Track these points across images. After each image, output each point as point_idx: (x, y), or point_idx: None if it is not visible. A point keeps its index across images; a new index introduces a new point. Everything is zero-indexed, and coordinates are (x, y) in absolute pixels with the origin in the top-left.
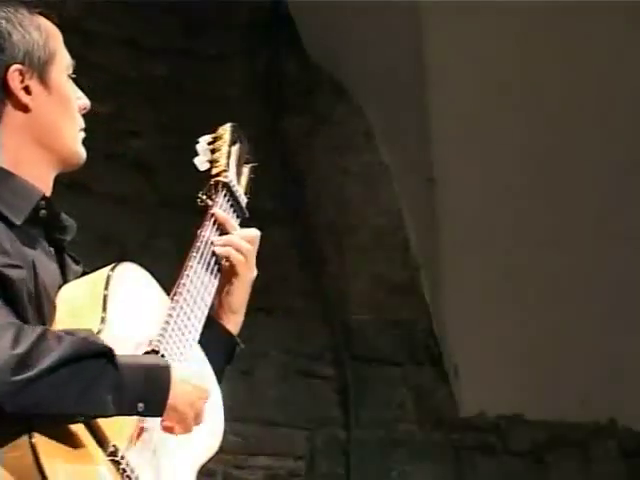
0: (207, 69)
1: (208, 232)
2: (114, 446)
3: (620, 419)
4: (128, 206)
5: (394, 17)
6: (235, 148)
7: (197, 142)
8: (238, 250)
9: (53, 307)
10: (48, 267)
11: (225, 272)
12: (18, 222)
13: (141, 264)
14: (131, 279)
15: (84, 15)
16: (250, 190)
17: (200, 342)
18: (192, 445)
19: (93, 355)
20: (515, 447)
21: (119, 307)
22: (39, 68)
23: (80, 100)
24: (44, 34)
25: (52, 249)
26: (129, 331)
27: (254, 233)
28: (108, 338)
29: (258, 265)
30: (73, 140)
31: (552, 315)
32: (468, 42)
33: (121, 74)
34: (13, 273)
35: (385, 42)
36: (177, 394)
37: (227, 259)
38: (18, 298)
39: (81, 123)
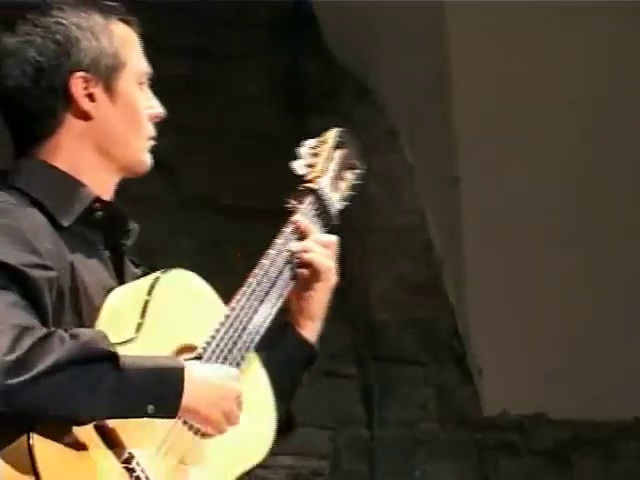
0: (227, 68)
1: (283, 239)
2: (129, 453)
3: None
4: (147, 206)
5: (418, 17)
6: (339, 153)
7: (301, 145)
8: (316, 255)
9: (96, 310)
10: (93, 270)
11: (305, 278)
12: (65, 224)
13: (164, 265)
14: (179, 286)
15: None
16: (349, 196)
17: (274, 348)
18: (232, 452)
19: (94, 358)
20: (538, 446)
21: (161, 313)
22: (106, 76)
23: (152, 109)
24: (116, 42)
25: (107, 252)
26: (169, 337)
27: (331, 239)
28: (141, 343)
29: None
30: (137, 149)
31: (576, 314)
32: (492, 42)
33: None
34: (36, 273)
35: (409, 42)
36: (195, 395)
37: (310, 265)
38: (38, 298)
39: (150, 132)
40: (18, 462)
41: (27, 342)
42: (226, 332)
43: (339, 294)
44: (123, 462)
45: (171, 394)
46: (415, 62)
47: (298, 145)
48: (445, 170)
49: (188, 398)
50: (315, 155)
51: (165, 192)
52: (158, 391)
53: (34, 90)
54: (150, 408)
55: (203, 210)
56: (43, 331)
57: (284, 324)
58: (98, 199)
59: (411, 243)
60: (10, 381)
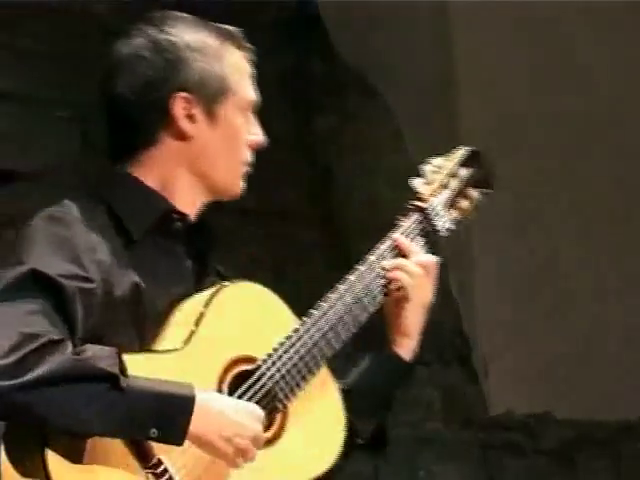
0: None
1: (377, 255)
2: (158, 459)
3: None
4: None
5: (424, 17)
6: (465, 171)
7: (426, 162)
8: (409, 274)
9: (156, 321)
10: (167, 281)
11: (396, 296)
12: (136, 237)
13: None
14: (243, 298)
15: (110, 14)
16: (470, 215)
17: (369, 364)
18: (288, 463)
19: (87, 376)
20: (543, 446)
21: (217, 324)
22: (209, 99)
23: (253, 137)
24: (225, 67)
25: (189, 262)
26: (222, 349)
27: (430, 259)
28: (186, 354)
29: (286, 265)
30: (231, 174)
31: (581, 313)
32: (497, 42)
33: None
34: (70, 283)
35: (415, 42)
36: (208, 427)
37: (397, 283)
38: (67, 307)
39: (247, 158)
40: (31, 473)
41: (25, 349)
42: (292, 345)
43: None
44: (149, 468)
45: (177, 422)
46: (420, 62)
47: (305, 144)
48: None
49: (198, 428)
50: (436, 172)
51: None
52: (163, 416)
53: (137, 103)
54: (153, 432)
55: (209, 208)
56: (46, 340)
57: (382, 340)
58: (175, 210)
59: None
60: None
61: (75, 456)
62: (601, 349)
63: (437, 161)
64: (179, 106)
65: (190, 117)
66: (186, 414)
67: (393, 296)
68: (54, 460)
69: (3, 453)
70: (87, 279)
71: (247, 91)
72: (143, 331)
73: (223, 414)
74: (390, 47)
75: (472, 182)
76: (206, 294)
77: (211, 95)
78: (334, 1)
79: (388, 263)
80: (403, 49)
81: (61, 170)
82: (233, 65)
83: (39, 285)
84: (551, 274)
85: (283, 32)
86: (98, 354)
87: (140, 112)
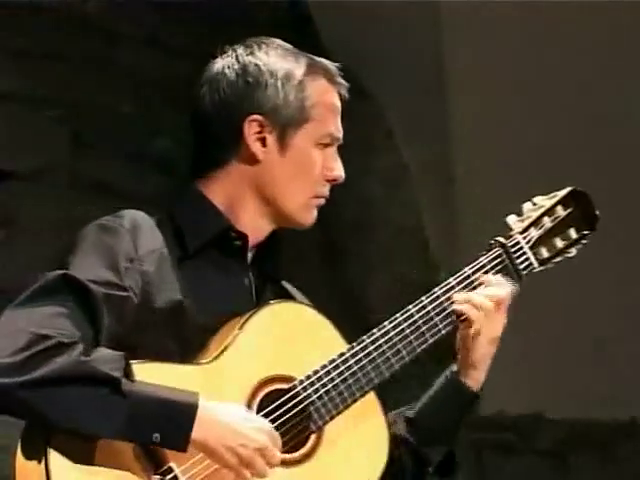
0: None
1: (445, 287)
2: (169, 467)
3: None
4: (146, 205)
5: (414, 18)
6: (562, 211)
7: (529, 200)
8: (478, 307)
9: (200, 337)
10: (218, 296)
11: (464, 329)
12: (191, 251)
13: None
14: (284, 318)
15: (108, 15)
16: (564, 256)
17: (436, 392)
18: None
19: (88, 378)
20: (535, 446)
21: (251, 342)
22: (282, 126)
23: (330, 171)
24: (308, 98)
25: (248, 279)
26: (255, 367)
27: (501, 293)
28: (211, 370)
29: (280, 264)
30: (298, 205)
31: (573, 313)
32: (487, 42)
33: (145, 74)
34: (102, 289)
35: (405, 43)
36: (209, 434)
37: (464, 316)
38: (94, 313)
39: (320, 192)
40: (33, 471)
41: (33, 350)
42: (335, 368)
43: (336, 293)
44: (159, 474)
45: (178, 428)
46: (412, 63)
47: None
48: (442, 171)
49: (201, 435)
50: (533, 210)
51: (165, 192)
52: (165, 422)
53: (214, 121)
54: (155, 437)
55: None
56: (55, 342)
57: (451, 370)
58: (234, 230)
59: (408, 243)
60: (2, 380)
61: (79, 456)
62: (593, 350)
63: (538, 199)
64: (252, 129)
65: (262, 141)
66: (188, 420)
67: (461, 329)
68: (56, 459)
69: (19, 451)
70: (121, 287)
71: (328, 125)
72: (184, 345)
73: (227, 424)
74: (381, 47)
75: (570, 222)
76: (248, 313)
77: (286, 122)
78: (325, 1)
79: (458, 295)
80: (394, 49)
81: (53, 170)
82: (317, 98)
83: (68, 288)
84: (543, 274)
85: (274, 33)
86: (103, 357)
87: (216, 130)
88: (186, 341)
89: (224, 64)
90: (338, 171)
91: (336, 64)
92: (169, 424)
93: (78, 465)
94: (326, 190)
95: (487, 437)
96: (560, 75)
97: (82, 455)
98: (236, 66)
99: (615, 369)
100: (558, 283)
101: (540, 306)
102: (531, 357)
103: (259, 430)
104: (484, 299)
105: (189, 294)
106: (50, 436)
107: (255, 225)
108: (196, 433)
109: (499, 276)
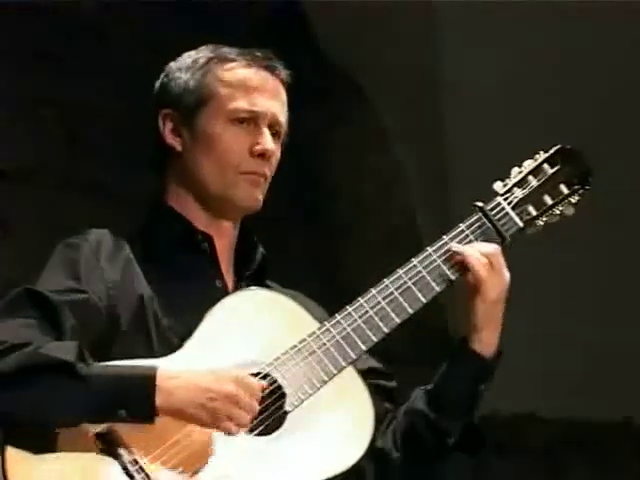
0: None
1: (419, 258)
2: (135, 460)
3: (636, 418)
4: (145, 207)
5: (409, 17)
6: (549, 169)
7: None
8: (478, 263)
9: (165, 332)
10: (181, 295)
11: (469, 290)
12: (156, 254)
13: None
14: (249, 304)
15: (102, 15)
16: (560, 211)
17: (450, 362)
18: (292, 461)
19: (47, 367)
20: (529, 445)
21: (212, 332)
22: (187, 112)
23: (254, 146)
24: (211, 79)
25: (218, 280)
26: (220, 355)
27: (489, 249)
28: (180, 359)
29: (273, 264)
30: (223, 184)
31: (567, 313)
32: (481, 41)
33: (139, 73)
34: (62, 297)
35: (400, 42)
36: (173, 397)
37: (467, 273)
38: (55, 318)
39: (245, 167)
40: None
41: None
42: (306, 347)
43: (330, 293)
44: (123, 467)
45: (140, 399)
46: (406, 62)
47: (292, 143)
48: (436, 170)
49: (165, 401)
50: (519, 172)
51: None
52: (127, 396)
53: (150, 125)
54: (121, 412)
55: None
56: (9, 345)
57: (461, 339)
58: (195, 230)
59: (403, 242)
60: None
61: (37, 448)
62: (587, 349)
63: (526, 162)
64: (166, 123)
65: (175, 132)
66: (148, 390)
67: (466, 282)
68: (13, 452)
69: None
70: (80, 290)
71: (235, 100)
72: (150, 340)
73: (192, 383)
74: (375, 48)
75: (561, 179)
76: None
77: (189, 106)
78: (320, 2)
79: (455, 246)
80: (388, 50)
81: (47, 170)
82: (221, 77)
83: (30, 301)
84: (538, 274)
85: (269, 32)
86: (56, 345)
87: (150, 133)
88: (152, 337)
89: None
90: (262, 145)
91: (266, 50)
92: (131, 397)
93: (35, 456)
94: (255, 166)
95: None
96: (557, 74)
97: (40, 447)
98: (163, 74)
99: (609, 369)
100: (553, 282)
101: (534, 305)
102: (525, 356)
103: (226, 380)
104: (477, 252)
105: (155, 298)
106: (7, 431)
107: (212, 222)
108: (160, 400)
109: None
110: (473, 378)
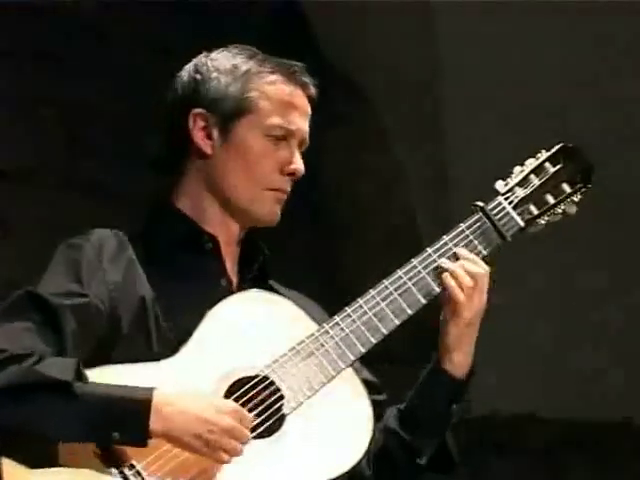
0: None
1: (421, 258)
2: (132, 465)
3: (636, 418)
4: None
5: (408, 16)
6: (551, 167)
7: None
8: (460, 286)
9: (166, 334)
10: (183, 296)
11: (444, 308)
12: (155, 255)
13: None
14: (245, 307)
15: (102, 15)
16: (562, 209)
17: (422, 382)
18: (285, 465)
19: (43, 385)
20: (529, 446)
21: (209, 335)
22: (224, 117)
23: (287, 165)
24: (250, 89)
25: (223, 280)
26: (217, 357)
27: (479, 271)
28: (177, 363)
29: (273, 264)
30: (249, 197)
31: (567, 313)
32: (481, 40)
33: (139, 74)
34: (60, 300)
35: (399, 42)
36: (170, 425)
37: (447, 293)
38: (56, 321)
39: (273, 184)
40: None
41: None
42: (304, 349)
43: (330, 294)
44: (120, 473)
45: (135, 423)
46: (405, 62)
47: None
48: (435, 169)
49: (160, 427)
50: (521, 171)
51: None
52: (121, 420)
53: (169, 119)
54: (115, 435)
55: None
56: (7, 355)
57: (435, 359)
58: (203, 231)
59: (402, 242)
60: None
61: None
62: (587, 350)
63: (528, 161)
64: (197, 123)
65: (206, 134)
66: (142, 415)
67: (443, 302)
68: (9, 462)
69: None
70: (81, 294)
71: (274, 117)
72: (150, 342)
73: (190, 411)
74: (375, 47)
75: (563, 178)
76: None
77: (227, 113)
78: (320, 2)
79: (444, 262)
80: (388, 49)
81: (47, 170)
82: (263, 91)
83: (31, 305)
84: (536, 274)
85: (268, 32)
86: (54, 362)
87: (170, 130)
88: (152, 340)
89: (186, 68)
90: (294, 165)
91: (300, 64)
92: (125, 421)
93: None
94: (283, 184)
95: (480, 437)
96: (556, 73)
97: (37, 457)
98: (192, 68)
99: (609, 369)
100: (553, 284)
101: (534, 305)
102: (525, 357)
103: (224, 412)
104: (466, 275)
105: (157, 298)
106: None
107: (223, 225)
108: (155, 425)
109: (473, 255)
110: (444, 398)
